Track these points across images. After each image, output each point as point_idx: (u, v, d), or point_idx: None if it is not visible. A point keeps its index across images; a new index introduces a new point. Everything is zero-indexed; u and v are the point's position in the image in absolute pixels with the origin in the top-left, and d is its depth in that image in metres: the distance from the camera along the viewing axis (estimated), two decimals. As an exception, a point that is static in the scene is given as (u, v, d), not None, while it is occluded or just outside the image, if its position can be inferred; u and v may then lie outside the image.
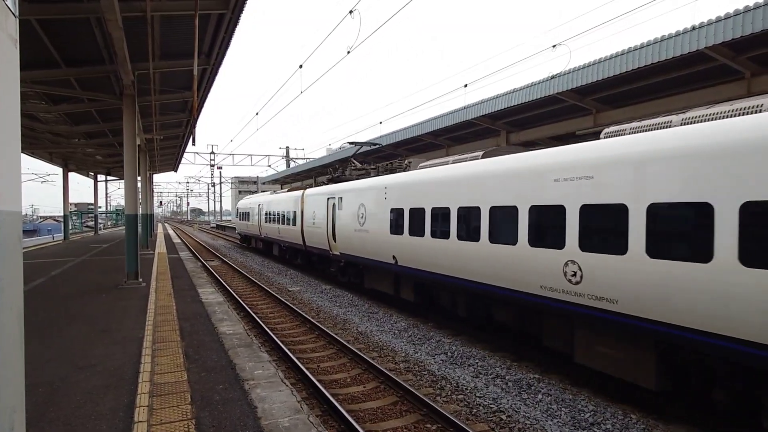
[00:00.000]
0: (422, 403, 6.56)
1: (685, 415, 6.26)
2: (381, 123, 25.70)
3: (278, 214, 22.27)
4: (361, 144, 19.26)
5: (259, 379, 5.86)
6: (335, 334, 10.18)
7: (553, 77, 12.12)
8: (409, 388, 6.98)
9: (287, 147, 52.15)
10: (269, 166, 50.81)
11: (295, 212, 19.48)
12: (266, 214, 24.93)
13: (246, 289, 16.57)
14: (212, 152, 49.20)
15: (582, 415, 6.34)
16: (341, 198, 14.66)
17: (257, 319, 11.24)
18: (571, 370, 7.94)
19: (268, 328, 10.47)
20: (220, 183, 78.75)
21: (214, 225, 76.01)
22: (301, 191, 19.03)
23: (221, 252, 30.88)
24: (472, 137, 19.35)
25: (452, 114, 16.89)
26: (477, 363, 8.46)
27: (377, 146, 20.98)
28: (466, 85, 16.33)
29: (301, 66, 16.12)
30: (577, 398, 6.87)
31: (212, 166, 51.58)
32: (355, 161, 17.18)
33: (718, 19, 8.66)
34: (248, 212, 30.17)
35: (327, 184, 16.74)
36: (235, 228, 40.30)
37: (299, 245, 19.26)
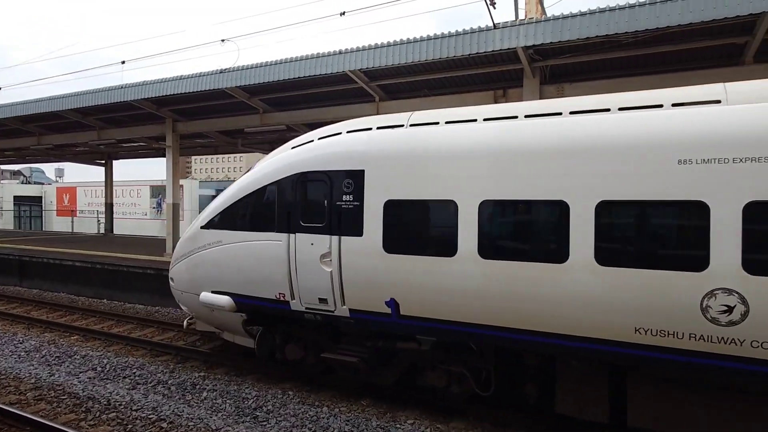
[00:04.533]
0: (59, 434, 5.41)
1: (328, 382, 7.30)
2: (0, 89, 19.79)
3: None
4: None
5: None
6: None
7: (222, 71, 12.06)
8: (40, 420, 5.64)
9: None
10: None
11: None
12: None
13: None
14: None
15: (246, 402, 6.55)
16: None
17: None
18: (237, 362, 8.09)
19: None
20: None
21: None
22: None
23: None
24: (131, 121, 17.27)
25: (108, 92, 14.59)
26: (135, 373, 7.60)
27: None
28: (123, 62, 14.42)
29: None
30: (241, 387, 7.06)
31: None
32: None
33: (358, 49, 10.49)
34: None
35: None
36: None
37: None
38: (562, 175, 4.75)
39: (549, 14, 10.28)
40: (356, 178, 5.68)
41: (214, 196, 37.09)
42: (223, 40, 11.43)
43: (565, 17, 8.49)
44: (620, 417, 5.21)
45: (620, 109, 4.89)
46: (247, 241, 6.47)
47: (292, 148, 6.53)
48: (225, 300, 6.77)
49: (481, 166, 5.14)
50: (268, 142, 19.88)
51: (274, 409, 6.35)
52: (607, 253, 4.60)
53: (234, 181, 8.02)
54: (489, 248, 5.06)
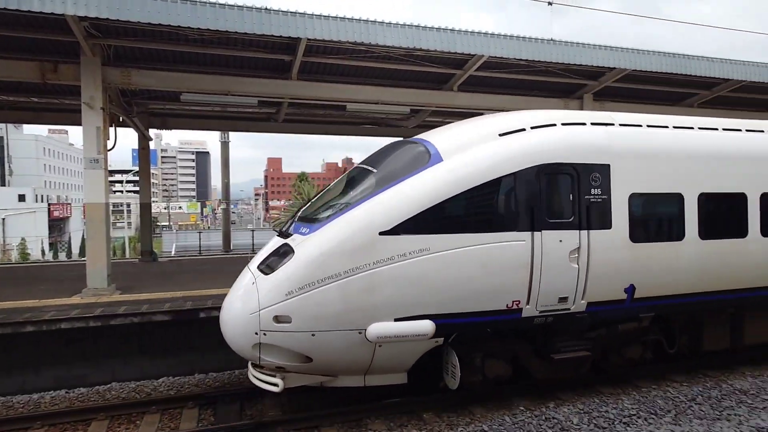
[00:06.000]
0: None
1: None
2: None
3: None
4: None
5: None
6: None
7: None
8: None
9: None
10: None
11: None
12: None
13: None
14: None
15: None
16: None
17: None
18: None
19: None
20: None
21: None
22: None
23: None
24: None
25: None
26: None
27: None
28: None
29: None
30: None
31: None
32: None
33: None
34: None
35: None
36: None
37: None
38: (741, 174, 6.83)
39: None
40: (603, 171, 6.11)
41: None
42: None
43: (127, -5, 7.77)
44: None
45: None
46: (477, 245, 5.66)
47: (500, 135, 6.00)
48: (424, 326, 5.50)
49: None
50: None
51: None
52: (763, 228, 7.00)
53: None
54: (707, 231, 6.59)
